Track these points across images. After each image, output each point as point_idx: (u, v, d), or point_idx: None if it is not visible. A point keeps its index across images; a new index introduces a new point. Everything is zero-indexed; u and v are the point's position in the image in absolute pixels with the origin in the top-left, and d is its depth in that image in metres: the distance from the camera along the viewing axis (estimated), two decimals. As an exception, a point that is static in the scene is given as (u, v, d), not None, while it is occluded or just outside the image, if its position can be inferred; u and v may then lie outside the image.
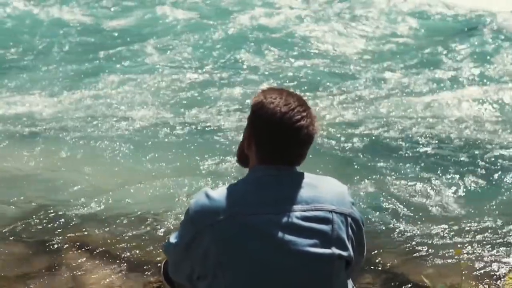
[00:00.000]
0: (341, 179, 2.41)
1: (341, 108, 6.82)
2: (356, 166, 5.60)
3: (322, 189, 2.29)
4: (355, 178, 5.33)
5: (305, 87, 7.39)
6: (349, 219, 2.30)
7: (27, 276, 4.05)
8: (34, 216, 4.71)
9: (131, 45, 8.61)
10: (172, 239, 2.37)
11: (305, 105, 2.30)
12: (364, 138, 6.11)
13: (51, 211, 4.79)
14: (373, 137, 6.15)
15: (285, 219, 2.20)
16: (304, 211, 2.23)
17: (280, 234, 2.19)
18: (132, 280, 4.02)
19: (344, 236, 2.28)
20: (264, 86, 6.98)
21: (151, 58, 8.16)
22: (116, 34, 9.07)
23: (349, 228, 2.30)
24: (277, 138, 2.26)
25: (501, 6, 9.80)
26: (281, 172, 2.28)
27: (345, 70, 7.95)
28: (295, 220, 2.21)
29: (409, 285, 3.98)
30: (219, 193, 2.26)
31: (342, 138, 6.09)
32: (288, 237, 2.19)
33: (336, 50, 8.66)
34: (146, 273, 4.07)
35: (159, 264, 3.91)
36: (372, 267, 4.16)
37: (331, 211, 2.26)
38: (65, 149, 5.80)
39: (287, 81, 7.56)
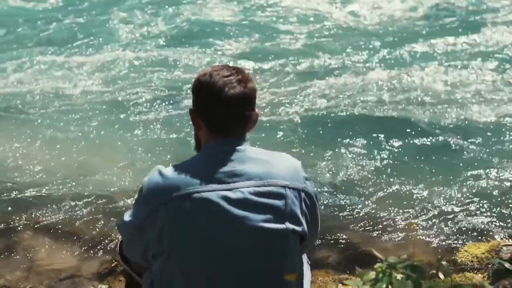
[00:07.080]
0: (295, 155, 2.43)
1: (298, 82, 6.83)
2: (310, 141, 5.64)
3: (275, 165, 2.31)
4: (310, 153, 5.37)
5: (265, 61, 7.37)
6: (303, 194, 2.33)
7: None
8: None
9: (89, 23, 8.47)
10: (126, 217, 2.37)
11: (241, 73, 2.35)
12: (319, 114, 6.14)
13: (5, 191, 4.74)
14: (328, 113, 6.18)
15: (238, 195, 2.22)
16: (258, 186, 2.25)
17: (233, 210, 2.21)
18: (88, 260, 4.01)
19: (298, 211, 2.31)
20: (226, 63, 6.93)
21: (114, 35, 8.03)
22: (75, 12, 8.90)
23: (303, 203, 2.33)
24: (217, 107, 2.30)
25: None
26: (232, 148, 2.30)
27: (305, 45, 7.94)
28: (248, 196, 2.23)
29: (363, 258, 4.04)
30: (172, 171, 2.27)
31: (297, 114, 6.11)
32: (242, 213, 2.21)
33: (300, 23, 8.65)
34: (102, 252, 4.07)
35: (115, 244, 3.91)
36: (327, 241, 4.22)
37: (284, 186, 2.28)
38: (17, 129, 5.71)
39: (254, 57, 7.50)
